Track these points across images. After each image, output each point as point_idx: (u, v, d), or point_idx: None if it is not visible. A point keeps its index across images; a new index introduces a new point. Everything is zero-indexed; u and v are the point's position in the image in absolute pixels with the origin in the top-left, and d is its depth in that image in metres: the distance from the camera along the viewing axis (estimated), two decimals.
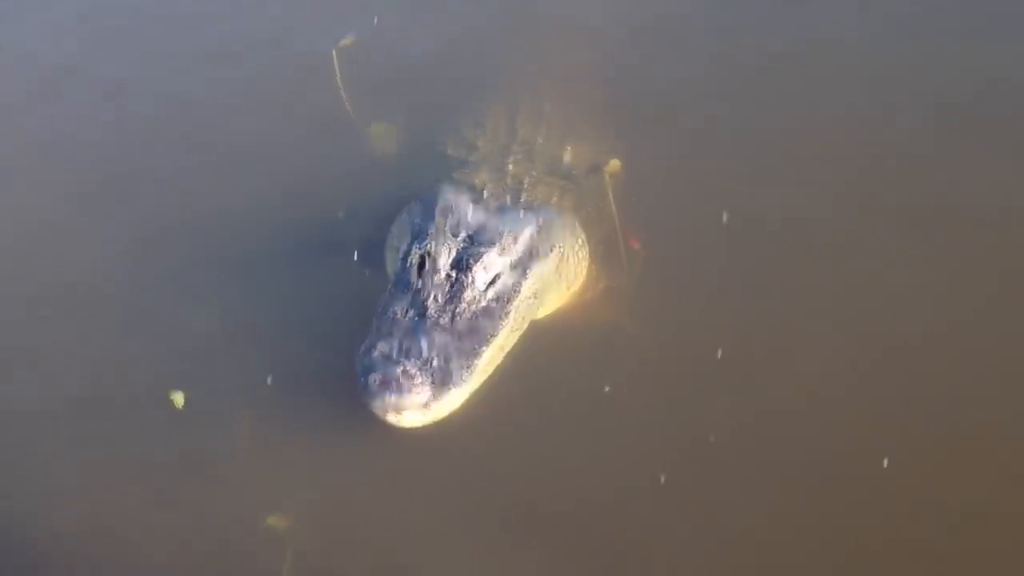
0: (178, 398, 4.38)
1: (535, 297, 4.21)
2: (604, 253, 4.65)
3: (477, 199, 4.46)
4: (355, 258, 4.65)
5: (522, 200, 4.53)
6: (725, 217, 4.78)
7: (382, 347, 3.82)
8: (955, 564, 3.76)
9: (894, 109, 5.20)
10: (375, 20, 5.88)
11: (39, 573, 4.04)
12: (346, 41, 5.78)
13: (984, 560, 3.74)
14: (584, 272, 4.50)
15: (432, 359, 3.78)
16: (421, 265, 4.05)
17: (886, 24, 5.59)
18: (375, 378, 3.70)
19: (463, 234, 4.17)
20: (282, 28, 6.05)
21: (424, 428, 3.79)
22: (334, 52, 5.71)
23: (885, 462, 3.92)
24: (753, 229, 4.75)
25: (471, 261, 4.04)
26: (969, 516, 3.82)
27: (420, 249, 4.09)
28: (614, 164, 4.92)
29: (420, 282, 4.02)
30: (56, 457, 4.29)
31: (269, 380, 4.37)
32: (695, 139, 5.17)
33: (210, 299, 4.68)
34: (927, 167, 4.94)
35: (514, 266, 4.16)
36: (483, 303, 4.02)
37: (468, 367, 3.82)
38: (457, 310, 3.96)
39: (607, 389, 4.23)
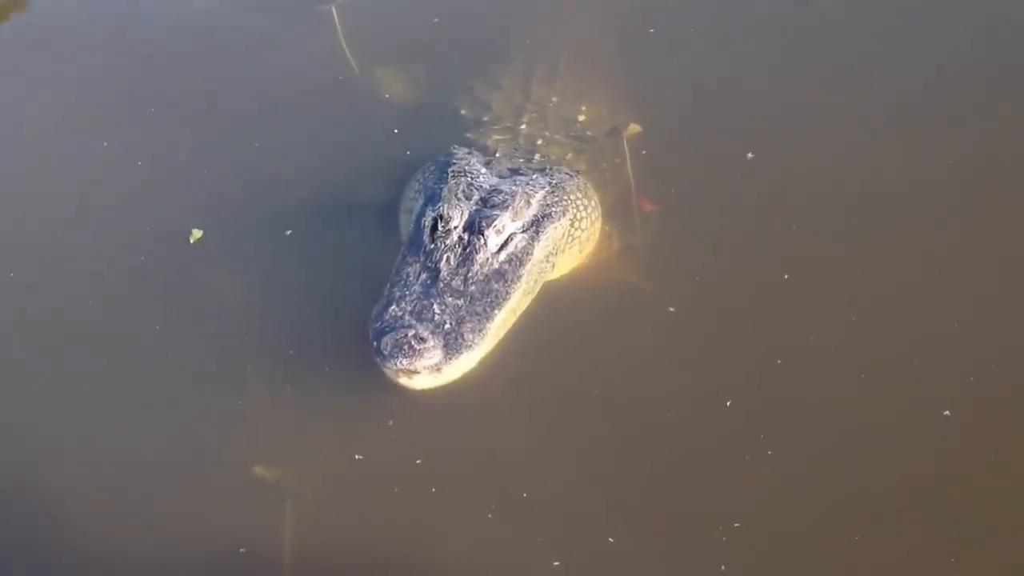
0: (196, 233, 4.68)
1: (548, 259, 4.21)
2: (618, 214, 4.64)
3: (490, 160, 4.46)
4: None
5: (535, 161, 4.52)
6: (750, 155, 4.80)
7: (394, 310, 3.84)
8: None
9: (909, 63, 5.17)
10: None
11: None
12: None
13: None
14: (597, 233, 4.48)
15: (444, 322, 3.79)
16: (434, 228, 4.06)
17: None
18: (387, 341, 3.72)
19: (476, 196, 4.16)
20: None
21: (436, 390, 3.81)
22: (333, 9, 5.66)
23: (947, 412, 3.92)
24: (768, 186, 4.72)
25: (483, 224, 4.03)
26: None
27: (433, 212, 4.10)
28: (633, 128, 4.89)
29: (433, 245, 4.03)
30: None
31: (288, 232, 4.65)
32: (710, 99, 5.13)
33: (225, 261, 4.70)
34: (940, 115, 4.93)
35: (527, 228, 4.15)
36: (495, 266, 4.02)
37: (480, 330, 3.82)
38: (469, 273, 3.97)
39: (672, 310, 4.28)
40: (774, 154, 4.83)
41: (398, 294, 3.90)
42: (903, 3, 5.50)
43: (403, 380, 3.75)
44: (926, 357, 4.09)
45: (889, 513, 3.73)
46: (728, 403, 4.00)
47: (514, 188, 4.21)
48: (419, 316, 3.81)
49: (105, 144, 5.25)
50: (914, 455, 3.85)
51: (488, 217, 4.06)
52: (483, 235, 4.03)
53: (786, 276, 4.37)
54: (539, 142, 4.66)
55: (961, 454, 3.84)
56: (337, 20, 5.62)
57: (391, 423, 4.08)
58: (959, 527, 3.68)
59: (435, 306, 3.84)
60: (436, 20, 5.69)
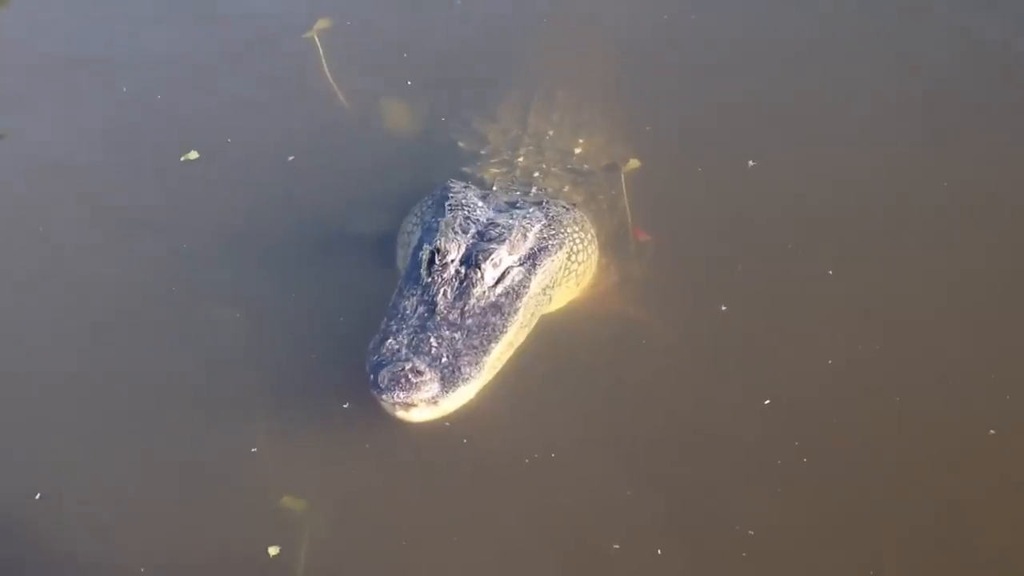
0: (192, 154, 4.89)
1: (545, 292, 4.23)
2: (615, 246, 4.67)
3: (487, 194, 4.48)
4: None
5: (532, 194, 4.55)
6: (751, 163, 4.92)
7: (391, 343, 3.85)
8: None
9: (903, 101, 5.27)
10: None
11: None
12: (322, 23, 5.74)
13: None
14: (594, 266, 4.51)
15: (441, 355, 3.81)
16: (431, 261, 4.07)
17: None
18: (384, 374, 3.73)
19: (473, 230, 4.18)
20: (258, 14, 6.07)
21: (435, 422, 3.82)
22: (315, 36, 5.68)
23: (992, 431, 3.97)
24: (763, 215, 4.79)
25: (480, 257, 4.05)
26: None
27: (430, 245, 4.12)
28: (632, 163, 4.91)
29: (430, 278, 4.05)
30: None
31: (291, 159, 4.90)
32: (703, 131, 5.19)
33: (227, 293, 4.72)
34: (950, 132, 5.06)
35: (523, 262, 4.17)
36: (492, 299, 4.04)
37: (477, 363, 3.84)
38: (466, 306, 3.99)
39: (724, 308, 4.40)
40: (773, 178, 4.91)
41: (395, 327, 3.92)
42: (903, 26, 5.62)
43: (400, 413, 3.76)
44: (963, 377, 4.14)
45: (937, 537, 3.76)
46: (669, 474, 4.02)
47: (511, 222, 4.23)
48: (416, 349, 3.82)
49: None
50: (959, 473, 3.88)
51: (485, 251, 4.08)
52: (480, 268, 4.04)
53: (794, 295, 4.47)
54: (536, 175, 4.70)
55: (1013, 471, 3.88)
56: (320, 48, 5.65)
57: (396, 455, 4.11)
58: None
59: (432, 339, 3.86)
60: (418, 47, 5.78)
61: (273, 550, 3.92)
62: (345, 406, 4.20)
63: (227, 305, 4.65)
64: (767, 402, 4.13)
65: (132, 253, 4.92)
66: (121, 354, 4.56)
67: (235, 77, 5.69)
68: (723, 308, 4.43)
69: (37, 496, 4.13)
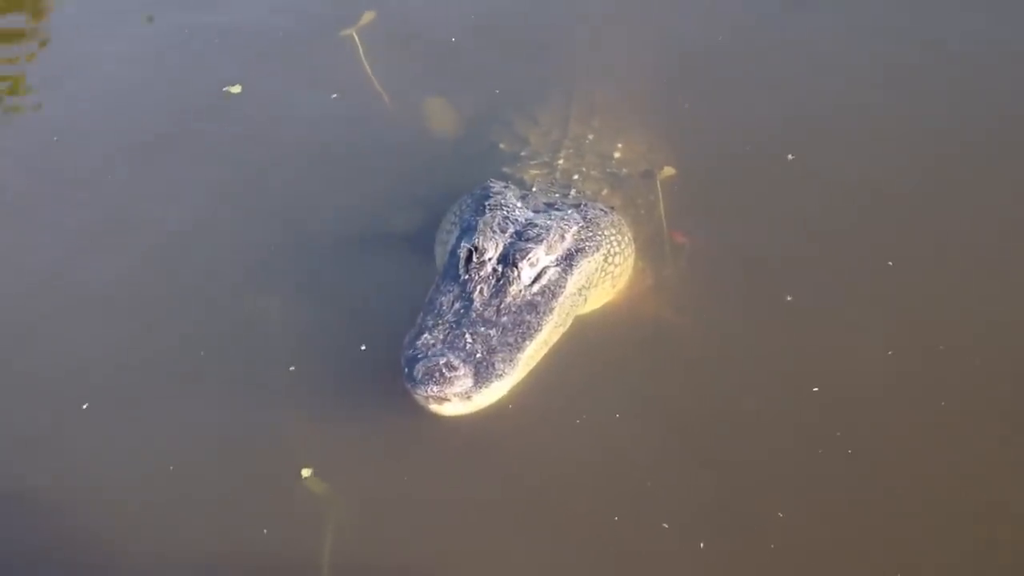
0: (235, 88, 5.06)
1: (580, 293, 4.26)
2: (652, 249, 4.69)
3: (526, 195, 4.52)
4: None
5: (571, 196, 4.59)
6: (790, 156, 4.98)
7: (427, 338, 3.90)
8: None
9: (956, 100, 5.30)
10: None
11: None
12: (367, 17, 5.77)
13: None
14: (630, 269, 4.53)
15: (476, 351, 3.85)
16: (468, 259, 4.12)
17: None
18: (419, 368, 3.78)
19: (511, 229, 4.22)
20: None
21: (467, 417, 3.85)
22: (355, 34, 5.73)
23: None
24: (803, 211, 4.82)
25: (518, 256, 4.09)
26: None
27: (468, 243, 4.16)
28: (667, 170, 4.93)
29: (467, 276, 4.10)
30: None
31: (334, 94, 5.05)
32: (741, 132, 5.22)
33: (269, 285, 4.81)
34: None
35: (560, 262, 4.21)
36: (528, 298, 4.08)
37: (511, 360, 3.87)
38: (502, 304, 4.03)
39: (789, 299, 4.41)
40: (813, 176, 4.93)
41: (431, 323, 3.97)
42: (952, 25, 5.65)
43: (433, 406, 3.80)
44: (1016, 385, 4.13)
45: (973, 542, 3.75)
46: (706, 476, 4.02)
47: (549, 222, 4.27)
48: (451, 345, 3.87)
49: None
50: (1001, 483, 3.87)
51: (522, 250, 4.12)
52: (517, 267, 4.09)
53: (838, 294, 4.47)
54: (575, 177, 4.74)
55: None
56: (360, 45, 5.71)
57: (427, 448, 4.16)
58: None
59: (467, 335, 3.90)
60: (463, 48, 5.87)
61: (306, 471, 4.05)
62: (377, 399, 4.26)
63: (269, 296, 4.73)
64: (815, 389, 4.16)
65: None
66: (168, 346, 4.67)
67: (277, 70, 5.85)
68: (788, 299, 4.46)
69: (84, 406, 4.36)
